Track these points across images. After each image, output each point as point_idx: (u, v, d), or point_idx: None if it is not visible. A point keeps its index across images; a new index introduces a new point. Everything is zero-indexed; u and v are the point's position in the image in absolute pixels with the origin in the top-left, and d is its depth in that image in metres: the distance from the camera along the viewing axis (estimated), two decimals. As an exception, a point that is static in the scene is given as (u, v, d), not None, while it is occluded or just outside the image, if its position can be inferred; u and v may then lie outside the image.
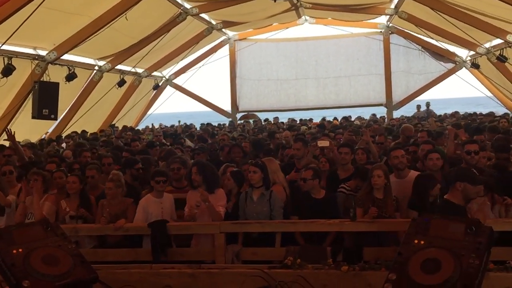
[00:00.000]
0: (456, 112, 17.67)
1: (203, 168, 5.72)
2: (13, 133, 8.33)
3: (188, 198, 5.75)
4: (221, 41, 20.83)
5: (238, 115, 21.16)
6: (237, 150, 7.78)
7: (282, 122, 18.06)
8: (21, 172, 6.51)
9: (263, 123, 18.23)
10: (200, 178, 5.65)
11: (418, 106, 19.65)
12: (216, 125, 18.21)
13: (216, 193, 5.66)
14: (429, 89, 20.38)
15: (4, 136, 12.57)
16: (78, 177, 5.95)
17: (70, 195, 5.83)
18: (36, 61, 12.33)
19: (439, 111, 21.84)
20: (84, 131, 14.29)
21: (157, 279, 4.41)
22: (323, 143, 7.25)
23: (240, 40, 21.27)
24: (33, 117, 12.04)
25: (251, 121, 19.19)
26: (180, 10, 14.67)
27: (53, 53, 12.43)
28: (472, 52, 17.80)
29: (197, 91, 21.71)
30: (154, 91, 20.16)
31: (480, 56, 16.85)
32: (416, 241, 3.08)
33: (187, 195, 5.81)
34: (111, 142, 11.15)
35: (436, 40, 17.89)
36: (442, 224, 3.12)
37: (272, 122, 17.80)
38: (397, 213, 5.37)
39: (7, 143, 8.95)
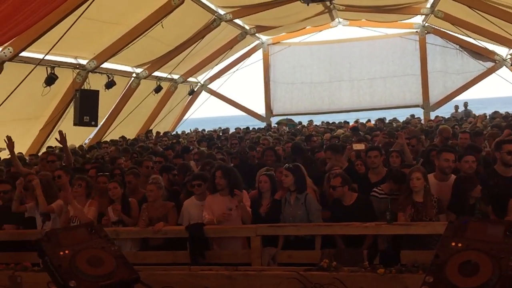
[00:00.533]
0: (496, 112, 17.14)
1: (228, 172, 5.75)
2: (65, 136, 8.31)
3: (208, 203, 5.76)
4: (255, 46, 21.00)
5: (273, 119, 21.23)
6: (270, 153, 7.81)
7: (317, 125, 17.97)
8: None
9: (297, 127, 18.20)
10: (224, 182, 5.67)
11: (456, 107, 19.20)
12: (251, 128, 18.29)
13: (242, 195, 5.67)
14: (467, 89, 19.89)
15: (49, 142, 13.14)
16: (118, 183, 6.12)
17: (114, 201, 6.02)
18: (77, 70, 12.82)
19: (478, 111, 21.24)
20: (123, 137, 14.67)
21: (195, 280, 4.52)
22: (359, 146, 7.23)
23: (273, 44, 21.38)
24: (74, 124, 12.45)
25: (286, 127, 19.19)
26: (214, 16, 14.90)
27: (93, 62, 12.89)
28: (512, 50, 17.30)
29: (231, 96, 21.98)
30: (190, 97, 20.50)
31: (521, 54, 16.35)
32: (453, 244, 3.04)
33: (205, 200, 5.82)
34: (147, 147, 11.40)
35: (474, 39, 17.46)
36: (480, 227, 3.08)
37: (306, 126, 17.71)
38: (441, 215, 5.26)
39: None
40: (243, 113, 22.34)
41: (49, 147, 12.53)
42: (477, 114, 17.92)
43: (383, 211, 5.36)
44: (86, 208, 5.84)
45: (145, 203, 5.95)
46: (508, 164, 5.57)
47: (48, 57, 10.80)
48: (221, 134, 16.99)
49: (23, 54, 10.51)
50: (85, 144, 14.90)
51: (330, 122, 18.82)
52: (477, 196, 5.13)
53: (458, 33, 17.83)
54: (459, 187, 5.27)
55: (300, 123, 19.24)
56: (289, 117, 20.90)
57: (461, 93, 20.01)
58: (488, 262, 2.84)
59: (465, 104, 18.76)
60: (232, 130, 18.29)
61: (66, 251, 3.54)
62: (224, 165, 6.39)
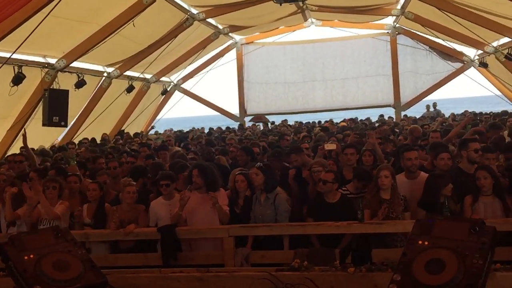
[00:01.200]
0: (466, 111, 17.59)
1: (204, 170, 5.76)
2: (25, 135, 8.18)
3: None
4: (228, 45, 20.94)
5: (246, 119, 21.23)
6: (240, 154, 7.79)
7: (290, 125, 18.07)
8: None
9: (269, 126, 18.26)
10: (201, 180, 5.69)
11: (428, 106, 19.58)
12: (224, 128, 18.26)
13: (219, 193, 5.70)
14: (437, 89, 20.32)
15: (17, 142, 12.80)
16: (99, 184, 6.02)
17: (91, 202, 5.92)
18: (46, 69, 12.50)
19: (448, 110, 21.76)
20: (93, 139, 14.42)
21: (166, 283, 4.46)
22: (330, 146, 7.30)
23: (247, 43, 21.37)
24: (43, 125, 12.19)
25: (260, 124, 19.22)
26: (187, 15, 14.79)
27: (62, 61, 12.61)
28: (480, 51, 17.72)
29: (205, 96, 21.88)
30: (163, 96, 20.31)
31: (488, 55, 16.75)
32: (420, 242, 3.10)
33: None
34: (118, 148, 11.24)
35: (443, 40, 17.84)
36: (446, 225, 3.14)
37: (282, 125, 17.80)
38: (406, 213, 5.37)
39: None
40: (217, 113, 22.27)
41: (22, 147, 12.19)
42: (446, 114, 18.38)
43: (356, 209, 5.40)
44: (57, 206, 5.74)
45: (114, 206, 5.86)
46: (474, 161, 5.72)
47: (15, 56, 10.51)
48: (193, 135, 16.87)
49: (-11, 53, 10.22)
50: (54, 145, 14.56)
51: (304, 122, 18.93)
52: (447, 194, 5.24)
53: (427, 34, 18.17)
54: (430, 185, 5.38)
55: (273, 122, 19.30)
56: (265, 116, 20.91)
57: (431, 93, 20.42)
58: (454, 259, 2.90)
59: (434, 105, 19.17)
60: (206, 130, 18.23)
61: (31, 255, 3.45)
62: (200, 163, 6.34)
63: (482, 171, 5.19)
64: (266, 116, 20.81)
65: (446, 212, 5.03)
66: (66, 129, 14.62)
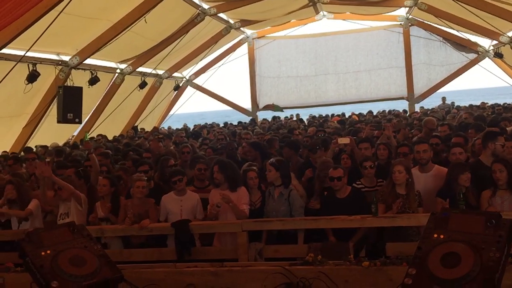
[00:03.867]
0: (482, 103, 17.34)
1: (225, 167, 5.77)
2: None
3: (211, 197, 5.82)
4: (240, 40, 20.91)
5: (259, 113, 21.21)
6: (249, 149, 7.78)
7: (301, 119, 18.00)
8: None
9: (281, 120, 18.21)
10: (221, 176, 5.70)
11: (444, 98, 19.36)
12: (237, 123, 18.26)
13: (239, 192, 5.68)
14: (451, 80, 20.07)
15: (32, 139, 12.97)
16: (109, 180, 6.06)
17: (104, 198, 5.97)
18: (60, 67, 12.63)
19: (464, 102, 21.49)
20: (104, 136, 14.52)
21: (180, 277, 4.49)
22: (344, 140, 7.24)
23: (258, 38, 21.33)
24: (58, 122, 12.29)
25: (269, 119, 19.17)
26: (198, 10, 14.79)
27: (75, 58, 12.72)
28: (494, 42, 17.47)
29: (217, 91, 21.93)
30: (175, 92, 20.38)
31: (503, 45, 16.51)
32: (435, 235, 3.06)
33: (209, 194, 5.89)
34: (130, 144, 11.31)
35: (457, 31, 17.62)
36: (461, 218, 3.10)
37: (291, 120, 17.75)
38: (420, 208, 5.33)
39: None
40: (229, 108, 22.28)
41: (36, 146, 12.35)
42: (461, 105, 18.15)
43: (370, 203, 5.37)
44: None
45: (126, 200, 5.91)
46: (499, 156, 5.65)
47: (29, 54, 10.59)
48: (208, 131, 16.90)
49: (4, 51, 10.29)
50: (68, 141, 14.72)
51: (317, 115, 18.85)
52: (465, 185, 5.18)
53: (441, 25, 17.96)
54: (450, 174, 5.33)
55: (287, 117, 19.20)
56: (276, 105, 20.83)
57: (445, 84, 20.19)
58: (470, 253, 2.87)
59: (443, 99, 18.97)
60: (221, 125, 18.23)
61: (48, 251, 3.50)
62: (221, 159, 6.30)
63: (498, 164, 5.12)
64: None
65: (462, 205, 4.98)
66: (81, 126, 14.74)
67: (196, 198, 5.91)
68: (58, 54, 12.74)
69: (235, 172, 5.83)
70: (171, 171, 6.14)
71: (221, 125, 18.30)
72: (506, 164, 5.12)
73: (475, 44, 18.60)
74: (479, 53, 18.98)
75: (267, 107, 20.09)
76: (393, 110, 18.60)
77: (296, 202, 5.67)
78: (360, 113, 17.85)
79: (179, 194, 5.85)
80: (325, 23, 20.79)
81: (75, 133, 15.68)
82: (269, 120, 18.87)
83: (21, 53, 10.30)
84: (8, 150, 12.06)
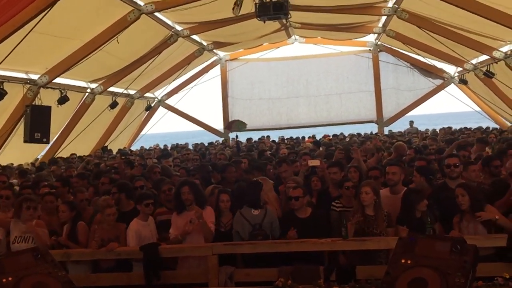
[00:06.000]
0: (442, 129, 17.77)
1: (195, 187, 5.77)
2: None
3: (173, 221, 5.75)
4: (213, 61, 21.05)
5: (231, 135, 21.22)
6: (231, 170, 7.78)
7: (274, 141, 18.07)
8: None
9: (252, 142, 18.20)
10: (192, 197, 5.68)
11: (411, 122, 19.85)
12: (207, 144, 18.17)
13: (206, 211, 5.67)
14: (419, 105, 20.65)
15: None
16: (68, 205, 5.93)
17: (66, 223, 5.83)
18: (28, 85, 12.41)
19: (430, 126, 22.05)
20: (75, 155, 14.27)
21: (149, 303, 4.40)
22: (314, 162, 7.30)
23: (231, 60, 21.50)
24: (25, 141, 12.04)
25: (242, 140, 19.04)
26: (171, 32, 14.84)
27: (45, 77, 12.53)
28: (459, 68, 18.09)
29: (189, 111, 21.89)
30: (147, 112, 20.23)
31: (468, 72, 17.12)
32: (403, 261, 3.11)
33: (172, 218, 5.80)
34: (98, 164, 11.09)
35: (424, 57, 18.19)
36: (428, 243, 3.16)
37: (261, 141, 17.72)
38: (390, 229, 5.39)
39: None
40: (201, 129, 22.23)
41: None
42: (423, 130, 18.64)
43: (340, 226, 5.42)
44: (37, 229, 5.63)
45: (94, 225, 5.78)
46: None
47: (-4, 72, 10.46)
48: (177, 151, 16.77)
49: (-30, 68, 10.11)
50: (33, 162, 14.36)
51: (286, 137, 18.95)
52: (423, 210, 5.29)
53: (409, 52, 18.51)
54: (406, 200, 5.44)
55: (261, 138, 19.15)
56: (249, 133, 20.87)
57: (413, 109, 20.76)
58: (436, 278, 2.92)
59: (411, 123, 19.48)
60: (190, 146, 18.11)
61: (10, 278, 3.37)
62: (189, 180, 6.30)
63: (460, 189, 5.24)
64: (250, 133, 20.71)
65: (429, 228, 5.07)
66: (48, 146, 14.44)
67: (153, 220, 5.89)
68: (26, 72, 12.52)
69: (202, 192, 5.91)
70: (143, 193, 6.06)
71: (191, 145, 18.15)
72: (466, 188, 5.25)
73: (441, 70, 19.25)
74: (445, 79, 19.64)
75: (228, 126, 19.55)
76: (364, 133, 18.87)
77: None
78: (334, 135, 18.06)
79: (145, 219, 5.78)
80: (297, 47, 21.17)
81: (42, 153, 15.33)
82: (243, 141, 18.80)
83: (-12, 71, 10.10)
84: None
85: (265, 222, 5.70)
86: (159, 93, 20.61)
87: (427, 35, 14.15)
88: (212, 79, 21.53)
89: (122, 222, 5.80)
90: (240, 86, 21.55)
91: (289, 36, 19.45)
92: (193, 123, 21.91)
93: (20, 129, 12.46)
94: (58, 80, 13.08)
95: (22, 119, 12.20)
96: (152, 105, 20.30)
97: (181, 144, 18.89)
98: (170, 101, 21.18)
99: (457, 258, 2.97)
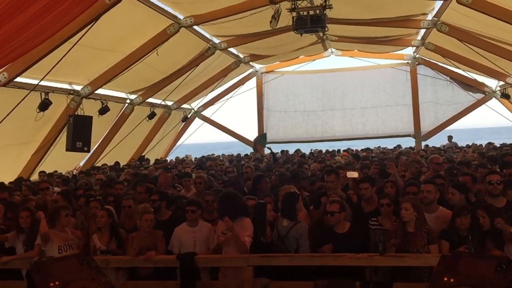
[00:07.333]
0: (480, 145, 17.21)
1: (228, 198, 5.79)
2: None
3: (217, 229, 5.80)
4: (249, 74, 21.22)
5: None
6: (265, 181, 7.80)
7: (304, 154, 17.83)
8: None
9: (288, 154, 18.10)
10: (218, 207, 5.77)
11: (450, 137, 19.36)
12: (243, 155, 18.21)
13: (242, 223, 5.60)
14: (458, 119, 20.12)
15: (40, 167, 13.04)
16: (107, 211, 6.06)
17: (101, 229, 5.97)
18: (71, 96, 12.83)
19: (469, 141, 21.42)
20: (117, 163, 14.61)
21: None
22: (353, 174, 7.25)
23: (267, 72, 21.63)
24: (67, 150, 12.40)
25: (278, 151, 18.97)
26: (209, 45, 15.09)
27: (87, 88, 12.95)
28: (501, 82, 17.59)
29: (225, 123, 22.05)
30: (183, 123, 20.55)
31: (510, 86, 16.62)
32: (445, 279, 3.05)
33: (216, 226, 5.88)
34: (138, 173, 11.31)
35: (464, 71, 17.78)
36: (471, 262, 3.09)
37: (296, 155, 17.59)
38: (431, 246, 5.21)
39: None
40: (235, 139, 22.37)
41: (41, 172, 12.43)
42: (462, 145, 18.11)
43: (377, 241, 5.35)
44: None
45: (132, 233, 5.90)
46: None
47: (42, 83, 10.83)
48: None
49: (18, 79, 10.53)
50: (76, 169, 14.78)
51: (323, 150, 18.79)
52: (466, 228, 5.16)
53: (448, 65, 18.15)
54: (453, 217, 5.32)
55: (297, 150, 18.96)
56: (282, 145, 20.80)
57: (452, 123, 20.24)
58: (480, 297, 2.85)
59: (449, 138, 18.97)
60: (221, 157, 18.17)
61: (57, 282, 3.50)
62: (228, 191, 6.28)
63: (481, 211, 5.18)
64: (285, 145, 20.54)
65: (471, 247, 4.93)
66: (89, 154, 14.83)
67: (209, 228, 5.89)
68: (70, 83, 12.97)
69: (239, 203, 5.78)
70: (187, 200, 6.16)
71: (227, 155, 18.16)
72: (488, 211, 5.17)
73: (482, 84, 18.74)
74: (486, 93, 19.09)
75: (254, 148, 18.73)
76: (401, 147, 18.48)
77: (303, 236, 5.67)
78: (367, 148, 17.81)
79: (191, 225, 5.84)
80: (333, 60, 21.09)
81: (83, 162, 15.76)
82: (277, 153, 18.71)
83: (35, 82, 10.50)
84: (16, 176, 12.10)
85: (290, 235, 5.67)
86: (195, 104, 20.92)
87: (467, 48, 13.84)
88: (248, 91, 21.73)
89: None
90: (275, 98, 21.62)
91: (325, 49, 19.42)
92: (228, 134, 22.07)
93: (62, 138, 12.86)
94: (99, 91, 13.49)
95: (65, 128, 12.59)
96: (189, 116, 20.61)
97: (213, 155, 19.03)
98: (206, 112, 21.46)
99: (502, 277, 2.88)
